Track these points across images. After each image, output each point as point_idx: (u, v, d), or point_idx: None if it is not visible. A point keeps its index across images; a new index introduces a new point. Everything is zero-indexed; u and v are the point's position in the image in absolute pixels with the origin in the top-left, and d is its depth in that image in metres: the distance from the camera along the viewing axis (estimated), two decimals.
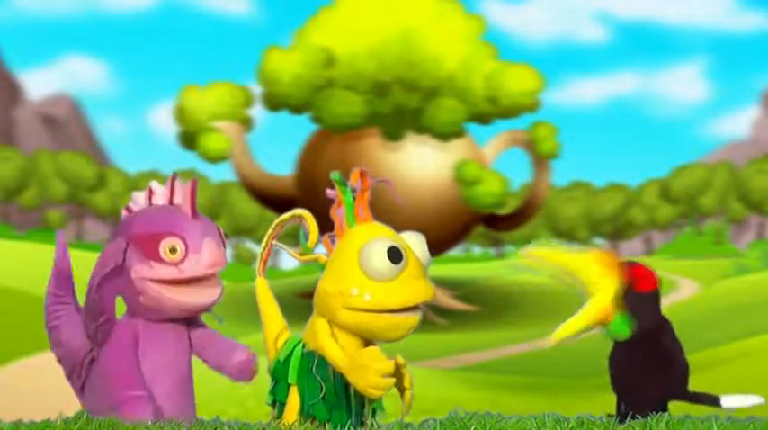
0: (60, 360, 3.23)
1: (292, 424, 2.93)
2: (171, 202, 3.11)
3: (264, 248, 3.11)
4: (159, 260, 2.98)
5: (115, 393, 2.97)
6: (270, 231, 3.11)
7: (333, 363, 2.94)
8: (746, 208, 56.82)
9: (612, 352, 3.24)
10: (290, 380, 2.98)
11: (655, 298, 3.18)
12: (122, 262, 3.02)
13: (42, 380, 14.83)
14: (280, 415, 3.00)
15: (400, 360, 3.02)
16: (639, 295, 3.14)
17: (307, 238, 3.04)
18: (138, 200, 3.15)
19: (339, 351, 2.93)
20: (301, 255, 3.06)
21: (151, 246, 2.99)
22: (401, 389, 3.05)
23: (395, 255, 2.88)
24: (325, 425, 2.93)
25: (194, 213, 3.07)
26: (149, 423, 2.85)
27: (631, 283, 3.14)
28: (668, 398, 3.13)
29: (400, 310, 2.88)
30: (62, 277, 3.30)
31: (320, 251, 3.08)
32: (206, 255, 3.02)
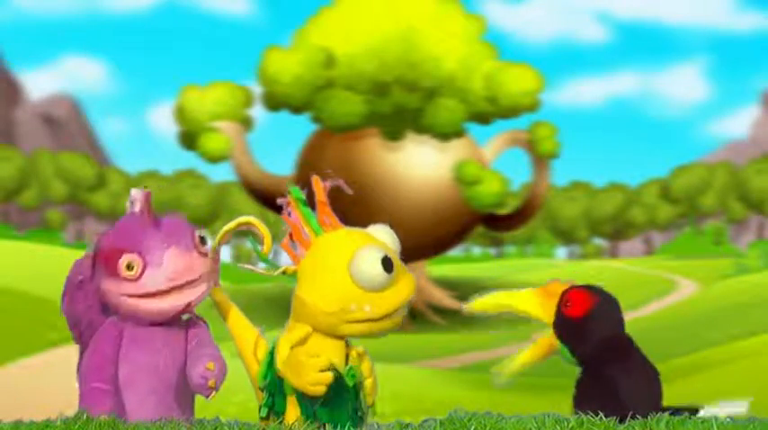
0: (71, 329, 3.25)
1: (293, 424, 2.93)
2: (135, 212, 3.04)
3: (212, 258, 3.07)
4: (119, 277, 2.95)
5: (84, 384, 2.99)
6: (215, 243, 3.07)
7: (278, 369, 2.94)
8: (746, 208, 56.83)
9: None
10: (286, 390, 2.96)
11: (586, 324, 3.03)
12: (90, 277, 3.02)
13: (42, 380, 14.84)
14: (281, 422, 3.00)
15: (355, 351, 3.00)
16: (567, 321, 3.05)
17: (260, 246, 3.02)
18: (135, 198, 3.09)
19: (284, 355, 2.93)
20: (259, 262, 3.04)
21: (111, 263, 2.96)
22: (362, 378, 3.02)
23: (388, 264, 2.87)
24: (326, 427, 2.93)
25: (154, 222, 3.01)
26: (149, 423, 2.84)
27: (561, 310, 3.07)
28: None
29: (393, 313, 2.92)
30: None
31: (273, 256, 3.06)
32: (168, 266, 2.95)
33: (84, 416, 2.92)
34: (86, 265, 3.04)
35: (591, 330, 3.04)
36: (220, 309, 3.14)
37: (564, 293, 3.09)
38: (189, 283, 2.98)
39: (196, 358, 3.01)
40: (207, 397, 3.00)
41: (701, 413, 3.10)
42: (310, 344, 2.94)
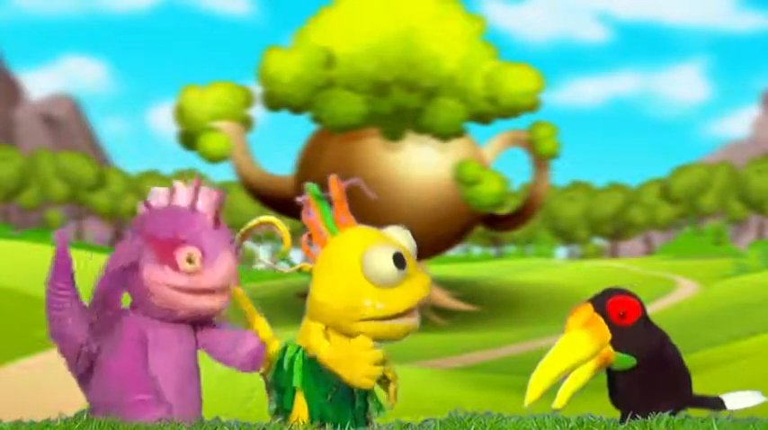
0: (62, 352, 3.18)
1: (293, 423, 2.93)
2: (193, 207, 3.02)
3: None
4: (174, 267, 2.92)
5: (125, 395, 2.92)
6: (237, 240, 3.07)
7: (321, 359, 2.94)
8: (746, 208, 56.84)
9: (614, 379, 3.12)
10: (295, 384, 2.97)
11: (642, 322, 3.05)
12: (136, 261, 2.96)
13: (42, 380, 14.83)
14: (286, 420, 3.00)
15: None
16: (631, 331, 3.02)
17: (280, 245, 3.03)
18: (159, 195, 3.07)
19: (327, 344, 2.94)
20: (278, 261, 3.06)
21: (168, 252, 2.93)
22: (385, 382, 3.05)
23: (400, 260, 2.89)
24: (333, 426, 2.93)
25: (217, 224, 3.00)
26: (149, 423, 2.84)
27: (616, 324, 3.02)
28: (679, 410, 3.08)
29: (407, 312, 2.92)
30: (64, 270, 3.17)
31: (294, 255, 3.08)
32: (222, 267, 2.96)
33: (85, 416, 2.91)
34: (134, 249, 2.97)
35: (648, 326, 3.08)
36: (246, 308, 3.15)
37: (604, 308, 3.03)
38: (221, 289, 3.00)
39: (233, 339, 3.04)
40: (257, 370, 3.05)
41: (727, 404, 3.16)
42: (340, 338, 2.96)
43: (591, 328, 3.02)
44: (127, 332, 3.00)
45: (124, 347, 2.98)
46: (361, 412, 3.01)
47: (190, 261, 2.92)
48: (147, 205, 3.06)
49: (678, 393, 3.09)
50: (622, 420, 3.01)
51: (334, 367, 2.93)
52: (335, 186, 3.05)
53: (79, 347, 3.07)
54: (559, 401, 3.01)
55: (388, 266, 2.87)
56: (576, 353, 3.02)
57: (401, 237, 3.02)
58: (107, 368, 2.99)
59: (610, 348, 3.02)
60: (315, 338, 2.96)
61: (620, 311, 3.02)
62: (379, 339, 2.95)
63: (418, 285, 2.93)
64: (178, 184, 3.08)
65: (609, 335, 3.02)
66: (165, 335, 3.01)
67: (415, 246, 3.03)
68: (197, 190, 3.03)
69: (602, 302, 3.04)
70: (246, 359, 3.03)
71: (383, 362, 2.95)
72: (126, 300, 3.07)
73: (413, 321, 2.96)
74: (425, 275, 2.99)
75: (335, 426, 2.91)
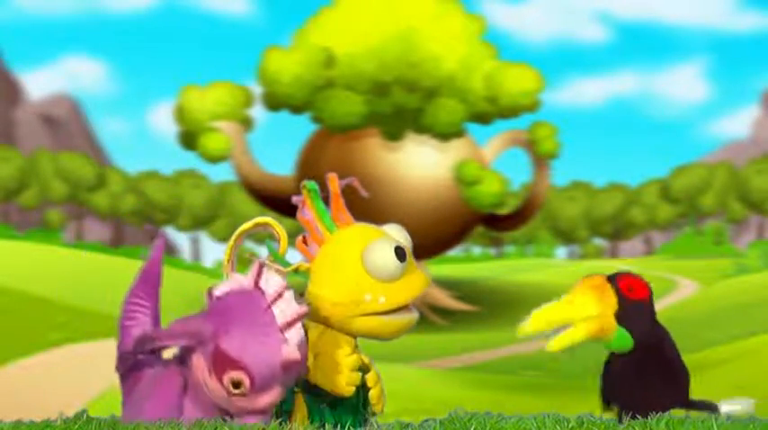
0: (120, 359, 3.09)
1: (293, 423, 2.93)
2: (275, 326, 2.75)
3: (228, 260, 2.98)
4: (220, 382, 2.76)
5: None
6: (231, 242, 3.01)
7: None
8: (746, 208, 56.82)
9: (609, 364, 3.18)
10: (294, 388, 2.96)
11: (649, 306, 3.13)
12: (193, 349, 2.80)
13: (42, 380, 14.84)
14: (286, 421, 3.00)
15: (365, 359, 3.02)
16: (634, 305, 3.09)
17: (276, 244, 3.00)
18: (235, 283, 2.84)
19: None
20: (272, 262, 3.00)
21: (218, 367, 2.75)
22: (365, 389, 3.01)
23: (401, 253, 2.90)
24: (333, 426, 2.93)
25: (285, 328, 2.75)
26: (149, 423, 2.83)
27: (624, 295, 3.09)
28: (673, 408, 3.10)
29: (406, 306, 2.94)
30: (149, 280, 3.11)
31: (290, 256, 3.06)
32: (265, 397, 2.77)
33: (85, 416, 2.91)
34: (197, 337, 2.77)
35: (652, 311, 3.14)
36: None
37: (616, 281, 3.13)
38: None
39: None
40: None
41: (723, 408, 3.18)
42: (324, 342, 2.96)
43: (599, 292, 3.11)
44: (168, 377, 2.90)
45: (160, 390, 2.90)
46: (362, 413, 3.00)
47: (236, 385, 2.75)
48: (211, 295, 2.85)
49: (673, 388, 3.11)
50: (620, 419, 3.02)
51: (316, 376, 2.93)
52: (333, 183, 3.05)
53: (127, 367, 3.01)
54: (553, 345, 3.12)
55: (391, 259, 2.88)
56: (580, 308, 3.10)
57: (398, 235, 3.02)
58: (140, 407, 2.92)
59: (613, 319, 3.08)
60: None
61: (629, 285, 3.11)
62: (378, 335, 2.95)
63: (417, 279, 2.95)
64: (266, 269, 2.84)
65: (615, 305, 3.09)
66: (202, 388, 2.86)
67: (412, 244, 3.04)
68: (260, 269, 2.82)
69: (614, 276, 3.15)
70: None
71: (364, 369, 2.94)
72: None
73: (412, 316, 2.97)
74: (422, 272, 3.01)
75: (335, 427, 2.92)
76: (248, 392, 2.73)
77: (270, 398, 2.77)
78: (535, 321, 3.12)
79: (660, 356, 3.11)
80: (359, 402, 2.99)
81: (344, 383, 2.91)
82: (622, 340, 3.08)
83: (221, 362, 2.74)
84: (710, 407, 3.19)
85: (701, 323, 22.70)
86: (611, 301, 3.09)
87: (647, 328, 3.10)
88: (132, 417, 2.89)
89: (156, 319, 3.08)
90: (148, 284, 3.10)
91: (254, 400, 2.76)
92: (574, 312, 3.11)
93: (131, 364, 3.01)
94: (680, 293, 33.16)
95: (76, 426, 2.82)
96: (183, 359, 2.89)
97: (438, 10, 28.27)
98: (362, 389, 2.98)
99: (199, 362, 2.80)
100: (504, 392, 13.57)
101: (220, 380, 2.75)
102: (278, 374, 2.73)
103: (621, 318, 3.08)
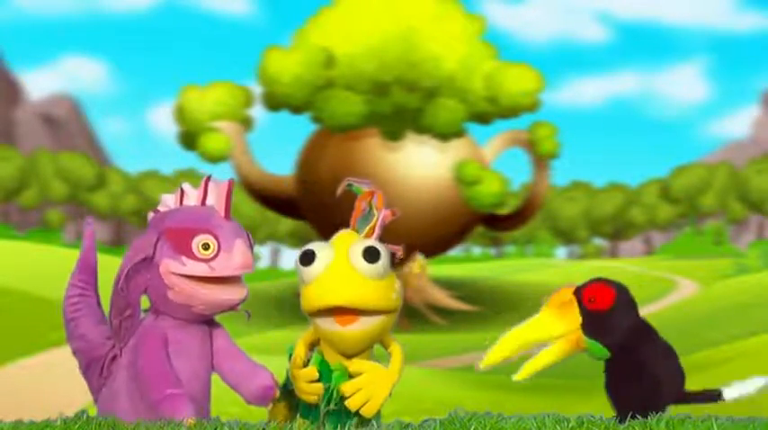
0: (76, 352, 3.17)
1: (293, 423, 2.93)
2: (203, 203, 3.05)
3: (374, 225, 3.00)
4: (191, 256, 2.93)
5: (154, 393, 2.91)
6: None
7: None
8: (746, 208, 56.83)
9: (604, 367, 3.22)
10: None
11: (616, 313, 3.07)
12: (152, 254, 2.97)
13: (42, 380, 14.83)
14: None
15: (356, 366, 2.97)
16: (595, 316, 3.06)
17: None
18: (168, 202, 3.10)
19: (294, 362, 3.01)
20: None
21: (183, 242, 2.94)
22: (341, 399, 2.97)
23: (305, 257, 2.93)
24: (333, 427, 2.93)
25: (227, 214, 3.02)
26: (149, 423, 2.84)
27: (585, 307, 3.07)
28: (651, 410, 3.05)
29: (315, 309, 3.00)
30: (87, 269, 3.23)
31: (291, 255, 3.10)
32: (237, 255, 2.96)
33: (85, 416, 2.91)
34: (150, 243, 2.99)
35: (619, 319, 3.09)
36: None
37: (580, 292, 3.10)
38: (236, 279, 3.01)
39: (249, 369, 3.03)
40: (266, 406, 3.05)
41: (725, 394, 3.17)
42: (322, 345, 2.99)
43: (562, 310, 3.08)
44: (148, 334, 3.00)
45: (147, 347, 2.98)
46: (347, 416, 2.99)
47: (205, 247, 2.93)
48: (156, 211, 3.08)
49: (651, 392, 3.05)
50: (620, 420, 3.02)
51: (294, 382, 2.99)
52: (380, 200, 3.02)
53: (102, 355, 3.07)
54: (521, 374, 3.11)
55: (296, 259, 2.89)
56: (540, 330, 3.09)
57: (358, 245, 2.92)
58: (134, 374, 2.98)
59: (580, 333, 3.06)
60: (295, 353, 3.04)
61: (590, 297, 3.07)
62: (334, 344, 2.94)
63: (328, 292, 2.84)
64: (186, 186, 3.10)
65: (579, 319, 3.06)
66: (184, 342, 3.00)
67: (385, 259, 2.91)
68: (206, 185, 3.06)
69: (580, 287, 3.11)
70: (257, 393, 3.02)
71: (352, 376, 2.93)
72: (144, 304, 3.06)
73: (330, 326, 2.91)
74: (351, 287, 2.86)
75: (335, 427, 2.91)
76: (216, 252, 2.92)
77: (238, 258, 2.95)
78: (496, 352, 3.10)
79: (632, 360, 3.07)
80: (340, 409, 2.96)
81: (302, 394, 2.95)
82: (596, 350, 3.09)
83: (180, 237, 2.94)
84: (712, 397, 3.16)
85: (701, 323, 22.70)
86: (575, 316, 3.07)
87: (616, 335, 3.07)
88: (125, 385, 2.98)
89: (98, 306, 3.16)
90: (86, 273, 3.20)
91: (228, 261, 2.94)
92: (535, 335, 3.10)
93: (98, 355, 3.09)
94: (680, 293, 33.17)
95: (76, 426, 2.82)
96: (153, 310, 3.02)
97: (438, 10, 28.27)
98: (337, 395, 2.94)
99: (165, 265, 2.94)
100: (504, 392, 13.55)
101: (190, 255, 2.91)
102: (234, 227, 2.98)
103: (587, 329, 3.06)
